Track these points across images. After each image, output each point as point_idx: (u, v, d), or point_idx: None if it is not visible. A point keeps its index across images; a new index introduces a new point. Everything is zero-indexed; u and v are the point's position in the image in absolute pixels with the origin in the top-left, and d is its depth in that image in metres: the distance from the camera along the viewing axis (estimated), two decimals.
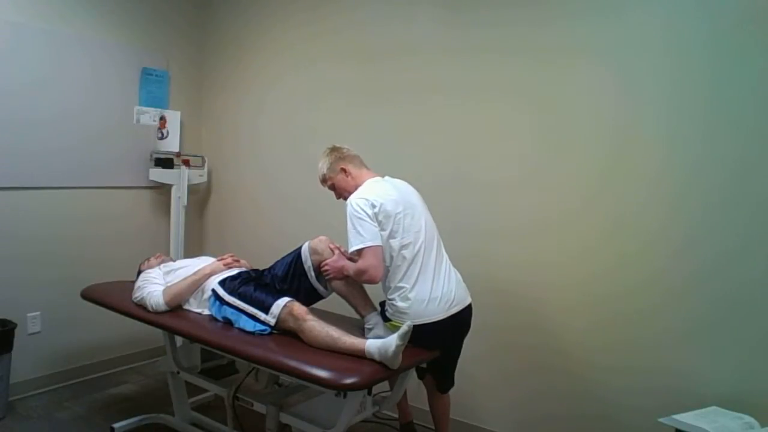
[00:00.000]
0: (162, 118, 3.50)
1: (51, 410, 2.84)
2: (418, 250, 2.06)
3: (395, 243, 2.04)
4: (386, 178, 2.23)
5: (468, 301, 2.15)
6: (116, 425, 2.56)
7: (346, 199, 2.19)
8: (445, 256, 2.17)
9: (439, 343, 2.08)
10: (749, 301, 1.97)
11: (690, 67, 2.06)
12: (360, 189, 2.14)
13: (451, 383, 2.27)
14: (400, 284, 2.04)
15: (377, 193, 2.08)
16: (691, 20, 2.06)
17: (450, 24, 2.65)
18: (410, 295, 2.02)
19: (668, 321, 2.12)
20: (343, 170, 2.22)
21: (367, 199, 2.05)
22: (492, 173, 2.55)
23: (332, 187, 2.28)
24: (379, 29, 2.91)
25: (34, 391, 3.01)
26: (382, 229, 2.03)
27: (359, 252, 2.03)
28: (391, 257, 2.05)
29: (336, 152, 2.26)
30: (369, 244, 2.01)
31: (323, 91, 3.18)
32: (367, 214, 2.02)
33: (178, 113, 3.53)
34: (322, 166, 2.26)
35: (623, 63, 2.20)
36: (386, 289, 2.11)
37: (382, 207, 2.04)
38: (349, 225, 2.04)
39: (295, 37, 3.30)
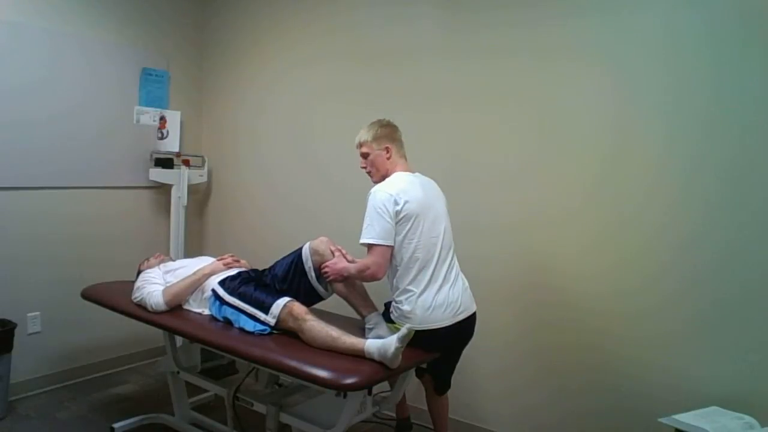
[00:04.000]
0: (162, 118, 3.50)
1: (51, 410, 2.84)
2: (433, 256, 2.04)
3: (411, 244, 2.02)
4: (417, 174, 2.19)
5: (473, 309, 2.14)
6: (116, 425, 2.56)
7: (370, 174, 2.19)
8: (456, 262, 2.16)
9: (440, 348, 2.08)
10: (750, 301, 1.96)
11: (689, 66, 2.06)
12: (389, 181, 2.10)
13: (448, 386, 2.27)
14: (409, 287, 2.03)
15: (404, 191, 2.04)
16: (689, 20, 2.06)
17: (449, 25, 2.65)
18: (417, 301, 2.01)
19: (668, 320, 2.12)
20: (387, 149, 2.16)
21: (391, 195, 2.01)
22: (491, 172, 2.55)
23: (365, 155, 2.19)
24: (378, 30, 2.91)
25: (34, 391, 3.01)
26: (400, 228, 2.01)
27: (367, 246, 2.03)
28: (403, 258, 2.03)
29: (390, 128, 2.19)
30: (380, 242, 2.00)
31: (323, 91, 3.17)
32: (388, 210, 1.99)
33: (178, 113, 3.53)
34: (368, 132, 2.17)
35: (623, 62, 2.20)
36: (394, 289, 2.09)
37: (406, 205, 2.01)
38: (367, 215, 2.03)
39: (296, 37, 3.30)
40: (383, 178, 2.15)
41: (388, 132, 2.19)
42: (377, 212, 2.00)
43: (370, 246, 2.02)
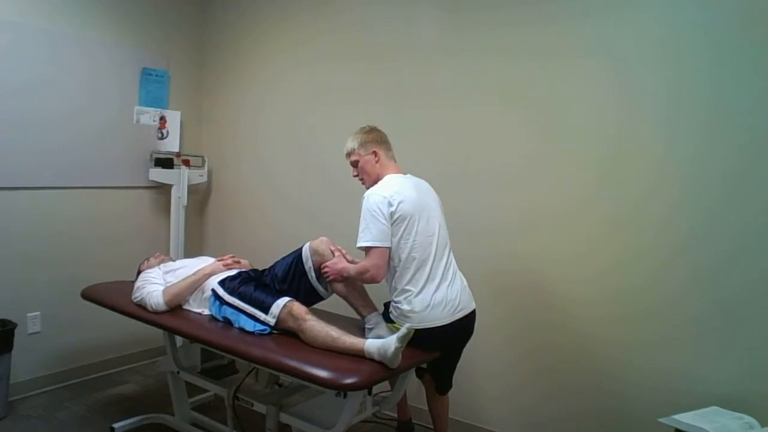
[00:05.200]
0: (162, 118, 3.50)
1: (51, 410, 2.83)
2: (429, 255, 2.05)
3: (407, 245, 2.02)
4: (408, 175, 2.20)
5: (472, 306, 2.14)
6: (116, 425, 2.56)
7: (362, 181, 2.20)
8: (453, 261, 2.16)
9: (440, 347, 2.08)
10: (750, 301, 1.96)
11: (689, 66, 2.06)
12: (381, 184, 2.11)
13: (449, 386, 2.27)
14: (407, 287, 2.03)
15: (398, 192, 2.04)
16: (689, 19, 2.06)
17: (450, 25, 2.65)
18: (415, 299, 2.01)
19: (668, 321, 2.12)
20: (375, 153, 2.17)
21: (385, 197, 2.02)
22: (491, 172, 2.55)
23: (354, 164, 2.22)
24: (379, 30, 2.91)
25: (34, 391, 3.01)
26: (396, 230, 2.02)
27: (365, 250, 2.03)
28: (400, 259, 2.03)
29: (375, 133, 2.22)
30: (377, 244, 2.00)
31: (323, 91, 3.18)
32: (383, 212, 2.00)
33: (178, 113, 3.53)
34: (354, 140, 2.20)
35: (622, 62, 2.20)
36: (392, 290, 2.10)
37: (400, 206, 2.01)
38: (362, 218, 2.03)
39: (295, 36, 3.30)
40: (375, 182, 2.15)
41: (373, 137, 2.20)
42: (372, 215, 2.01)
43: (367, 249, 2.02)
